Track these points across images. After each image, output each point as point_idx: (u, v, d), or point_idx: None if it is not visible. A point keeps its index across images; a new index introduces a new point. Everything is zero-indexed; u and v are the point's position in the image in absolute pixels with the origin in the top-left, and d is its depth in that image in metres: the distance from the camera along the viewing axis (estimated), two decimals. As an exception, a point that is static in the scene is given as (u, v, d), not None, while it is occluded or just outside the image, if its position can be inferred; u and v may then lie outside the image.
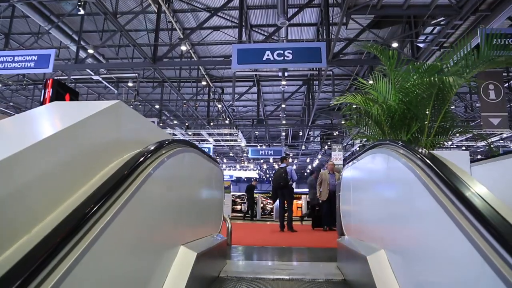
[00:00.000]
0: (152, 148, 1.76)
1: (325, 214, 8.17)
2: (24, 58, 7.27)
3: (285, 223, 7.83)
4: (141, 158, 1.60)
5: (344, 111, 3.70)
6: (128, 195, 1.41)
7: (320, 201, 8.38)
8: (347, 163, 3.65)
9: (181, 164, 2.35)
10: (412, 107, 2.82)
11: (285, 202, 8.00)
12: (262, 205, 13.42)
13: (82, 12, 6.73)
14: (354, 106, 3.49)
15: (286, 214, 8.13)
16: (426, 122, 2.76)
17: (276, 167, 32.40)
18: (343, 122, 16.80)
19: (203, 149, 3.35)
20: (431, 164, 1.46)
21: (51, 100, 3.86)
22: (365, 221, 2.76)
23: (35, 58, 7.20)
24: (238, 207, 14.25)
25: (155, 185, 1.77)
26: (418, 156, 1.61)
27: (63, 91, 4.16)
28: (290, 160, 28.60)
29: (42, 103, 3.92)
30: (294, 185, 8.62)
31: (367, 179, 2.86)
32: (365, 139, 3.74)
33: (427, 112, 2.77)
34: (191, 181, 2.66)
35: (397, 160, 1.88)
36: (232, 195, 14.90)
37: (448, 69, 2.79)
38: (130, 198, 1.43)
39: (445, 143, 3.05)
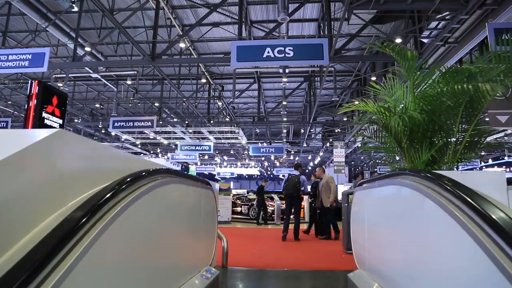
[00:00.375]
0: (111, 189, 1.34)
1: (323, 222, 8.05)
2: (18, 56, 7.05)
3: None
4: (91, 208, 1.19)
5: (355, 121, 3.36)
6: (73, 259, 1.06)
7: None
8: (361, 184, 3.27)
9: (156, 203, 1.89)
10: (435, 117, 2.49)
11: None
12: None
13: (76, 9, 6.55)
14: (371, 117, 3.11)
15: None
16: (452, 136, 2.45)
17: (278, 164, 32.36)
18: (345, 119, 16.63)
19: (187, 171, 2.94)
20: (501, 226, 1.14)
21: (36, 104, 3.71)
22: (386, 264, 2.41)
23: (30, 57, 6.99)
24: (238, 209, 13.89)
25: (115, 240, 1.37)
26: (474, 207, 1.26)
27: (49, 94, 4.01)
28: (291, 157, 28.49)
29: (27, 108, 3.76)
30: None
31: (389, 215, 2.45)
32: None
33: (450, 122, 2.47)
34: (172, 218, 2.23)
35: (436, 203, 1.53)
36: (233, 195, 14.58)
37: (482, 74, 2.38)
38: (77, 262, 1.08)
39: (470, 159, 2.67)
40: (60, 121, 4.32)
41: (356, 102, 3.27)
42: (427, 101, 2.57)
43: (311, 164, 31.25)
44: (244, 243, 7.15)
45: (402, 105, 2.90)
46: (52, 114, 4.02)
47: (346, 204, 5.76)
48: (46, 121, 4.18)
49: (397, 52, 2.80)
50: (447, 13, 7.31)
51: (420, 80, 2.73)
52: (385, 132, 2.89)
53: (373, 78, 12.34)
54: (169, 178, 2.06)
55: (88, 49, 9.11)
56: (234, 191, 28.70)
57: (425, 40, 8.41)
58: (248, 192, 16.45)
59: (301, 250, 6.39)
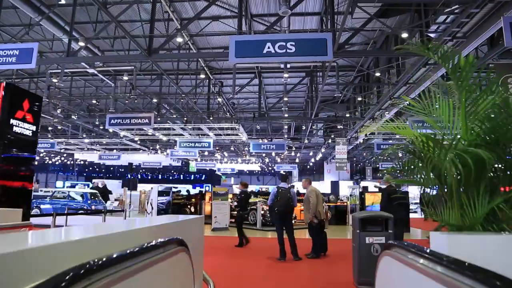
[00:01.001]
0: None
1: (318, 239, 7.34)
2: (4, 52, 6.67)
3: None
4: None
5: (384, 151, 2.43)
6: None
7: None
8: (389, 247, 2.58)
9: None
10: (500, 151, 1.81)
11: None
12: (262, 212, 12.15)
13: (63, 1, 6.20)
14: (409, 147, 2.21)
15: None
16: None
17: (279, 160, 32.04)
18: (347, 115, 16.32)
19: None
20: None
21: (2, 108, 3.37)
22: None
23: (17, 53, 6.63)
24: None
25: None
26: None
27: (19, 97, 3.65)
28: (293, 154, 28.20)
29: (-9, 112, 3.45)
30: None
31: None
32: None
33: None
34: None
35: None
36: (234, 194, 14.26)
37: None
38: None
39: None
40: (33, 128, 3.91)
41: (394, 122, 2.42)
42: (489, 128, 1.85)
43: (313, 160, 31.00)
44: (238, 265, 6.60)
45: (451, 134, 2.12)
46: (23, 120, 3.65)
47: (358, 231, 5.19)
48: (15, 129, 3.81)
49: (443, 57, 2.02)
50: (456, 6, 6.98)
51: (474, 92, 1.96)
52: (427, 167, 2.07)
53: (377, 74, 12.03)
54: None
55: (82, 43, 8.81)
56: (235, 187, 28.55)
57: (432, 35, 8.08)
58: None
59: (303, 280, 5.66)
